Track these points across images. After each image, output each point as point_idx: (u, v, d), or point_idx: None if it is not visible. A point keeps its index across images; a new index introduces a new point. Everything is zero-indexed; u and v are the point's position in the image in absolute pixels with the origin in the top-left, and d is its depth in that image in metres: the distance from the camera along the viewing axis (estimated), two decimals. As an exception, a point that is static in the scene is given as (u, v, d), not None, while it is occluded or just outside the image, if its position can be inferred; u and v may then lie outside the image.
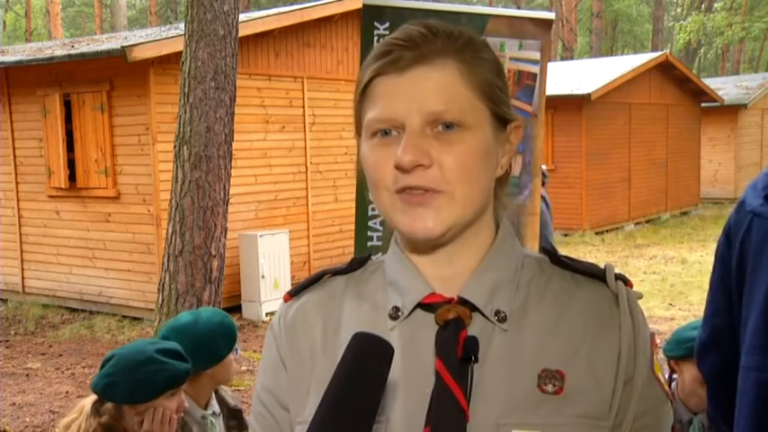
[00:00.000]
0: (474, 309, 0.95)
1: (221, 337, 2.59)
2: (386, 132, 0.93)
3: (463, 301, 0.95)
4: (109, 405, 2.25)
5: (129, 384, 2.21)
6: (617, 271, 1.00)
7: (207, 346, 2.54)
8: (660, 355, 1.11)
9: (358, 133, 0.99)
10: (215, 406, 2.64)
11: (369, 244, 2.85)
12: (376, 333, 0.94)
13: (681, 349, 2.61)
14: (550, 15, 2.50)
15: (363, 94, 0.96)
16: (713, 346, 1.59)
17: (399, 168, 0.91)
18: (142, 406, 2.23)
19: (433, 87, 0.91)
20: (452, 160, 0.91)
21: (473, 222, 0.96)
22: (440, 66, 0.92)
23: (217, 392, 2.69)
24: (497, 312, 0.95)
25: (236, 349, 2.68)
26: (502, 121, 0.97)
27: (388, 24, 2.44)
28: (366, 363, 0.85)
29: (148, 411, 2.21)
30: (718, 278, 1.51)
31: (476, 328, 0.94)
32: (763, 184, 1.39)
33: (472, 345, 0.92)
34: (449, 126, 0.91)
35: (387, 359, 0.86)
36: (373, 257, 1.08)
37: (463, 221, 0.94)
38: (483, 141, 0.93)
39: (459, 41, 0.94)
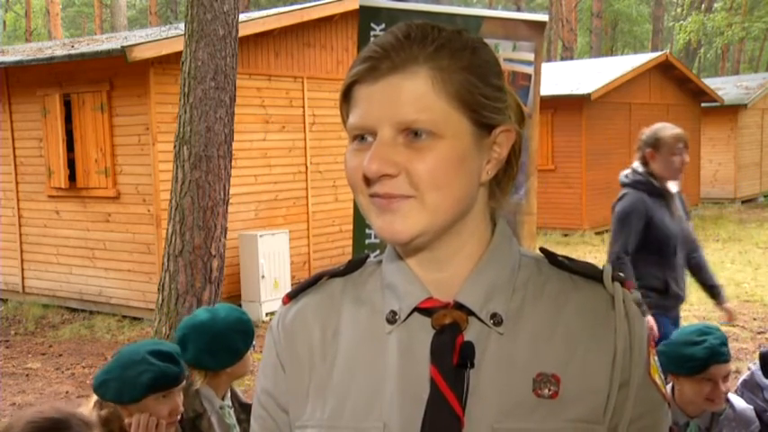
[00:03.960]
0: (470, 313, 0.95)
1: (239, 335, 2.59)
2: (362, 138, 0.94)
3: (459, 306, 0.95)
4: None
5: (117, 383, 2.23)
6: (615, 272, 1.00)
7: (226, 345, 2.55)
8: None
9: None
10: (229, 400, 2.67)
11: (367, 242, 2.87)
12: (374, 337, 0.96)
13: (683, 368, 2.58)
14: (543, 18, 2.52)
15: (345, 98, 0.97)
16: None
17: (365, 178, 0.92)
18: (131, 407, 2.24)
19: (403, 97, 0.90)
20: (422, 168, 0.90)
21: (450, 229, 0.95)
22: (411, 74, 0.91)
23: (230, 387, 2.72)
24: (493, 315, 0.95)
25: (253, 344, 2.68)
26: (485, 126, 0.95)
27: (383, 26, 2.45)
28: None
29: (135, 416, 2.21)
30: None
31: (472, 332, 0.94)
32: None
33: (468, 351, 0.92)
34: (419, 135, 0.90)
35: None
36: (371, 257, 1.08)
37: (433, 228, 0.93)
38: (457, 149, 0.92)
39: (433, 46, 0.92)
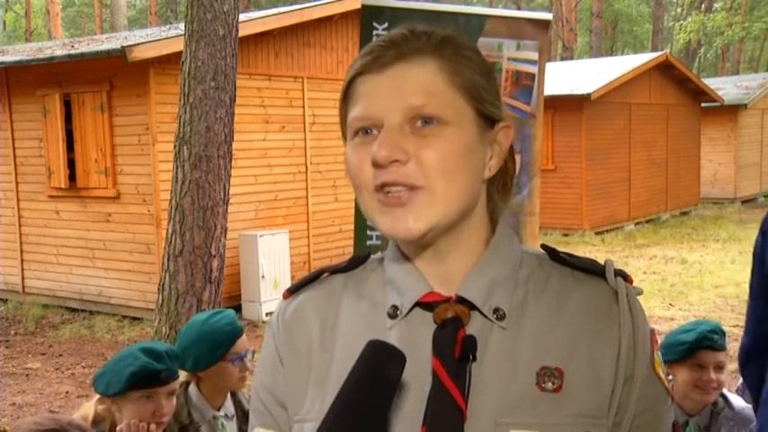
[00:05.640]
0: (472, 307, 0.95)
1: (215, 340, 2.54)
2: (366, 131, 0.93)
3: (461, 300, 0.95)
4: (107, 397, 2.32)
5: (107, 375, 2.29)
6: (617, 267, 1.00)
7: (198, 347, 2.54)
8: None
9: (344, 136, 0.99)
10: (229, 408, 2.64)
11: (368, 243, 2.86)
12: (374, 331, 0.95)
13: (673, 353, 2.62)
14: (548, 16, 2.50)
15: (346, 95, 0.97)
16: (757, 354, 1.59)
17: (375, 164, 0.91)
18: (118, 402, 2.28)
19: (412, 83, 0.91)
20: (431, 155, 0.90)
21: (459, 222, 0.95)
22: (419, 63, 0.92)
23: (234, 395, 2.69)
24: (496, 310, 0.95)
25: (243, 356, 2.59)
26: (488, 120, 0.96)
27: (386, 24, 2.44)
28: (378, 371, 0.85)
29: (125, 423, 2.22)
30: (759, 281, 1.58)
31: (474, 326, 0.94)
32: None
33: (470, 344, 0.91)
34: (428, 121, 0.90)
35: (399, 368, 0.85)
36: (373, 255, 1.08)
37: (446, 220, 0.93)
38: (465, 138, 0.92)
39: (439, 39, 0.94)
